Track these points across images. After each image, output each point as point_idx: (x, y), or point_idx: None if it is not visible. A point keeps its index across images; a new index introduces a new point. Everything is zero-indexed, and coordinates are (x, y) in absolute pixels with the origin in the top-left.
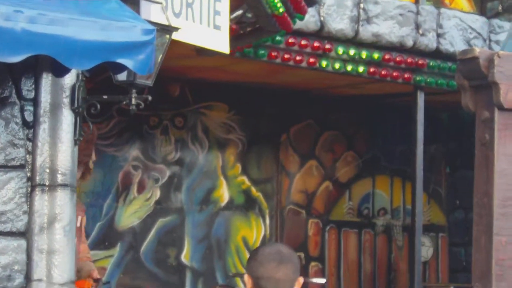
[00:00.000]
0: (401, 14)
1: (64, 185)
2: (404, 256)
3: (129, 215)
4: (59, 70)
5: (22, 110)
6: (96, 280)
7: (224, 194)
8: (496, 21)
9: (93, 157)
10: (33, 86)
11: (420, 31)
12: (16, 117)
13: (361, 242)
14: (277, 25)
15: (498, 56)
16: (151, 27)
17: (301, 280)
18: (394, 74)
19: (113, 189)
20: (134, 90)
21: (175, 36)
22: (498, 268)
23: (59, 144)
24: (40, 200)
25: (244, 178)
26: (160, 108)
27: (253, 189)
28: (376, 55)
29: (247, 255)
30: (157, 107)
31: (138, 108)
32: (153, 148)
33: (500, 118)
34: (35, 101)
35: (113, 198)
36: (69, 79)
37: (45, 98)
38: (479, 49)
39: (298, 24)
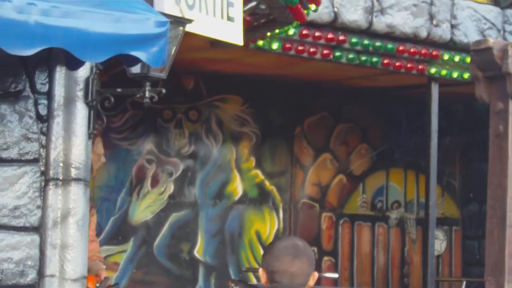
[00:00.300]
0: (415, 5)
1: (78, 179)
2: (417, 249)
3: (143, 210)
4: (73, 63)
5: (36, 104)
6: (103, 278)
7: (237, 187)
8: (510, 12)
9: (100, 150)
10: (47, 80)
11: (434, 22)
12: (30, 111)
13: (375, 236)
14: (290, 17)
15: None
16: (164, 19)
17: (316, 275)
18: (408, 65)
19: (127, 183)
20: (148, 83)
21: (189, 28)
22: (511, 261)
23: (73, 138)
24: (54, 195)
25: (258, 172)
26: (174, 101)
27: (267, 183)
28: (390, 46)
29: (261, 250)
30: (171, 100)
31: (152, 101)
32: (167, 142)
33: None
34: (49, 95)
35: (126, 192)
36: (83, 72)
37: (59, 92)
38: (493, 39)
39: (312, 16)
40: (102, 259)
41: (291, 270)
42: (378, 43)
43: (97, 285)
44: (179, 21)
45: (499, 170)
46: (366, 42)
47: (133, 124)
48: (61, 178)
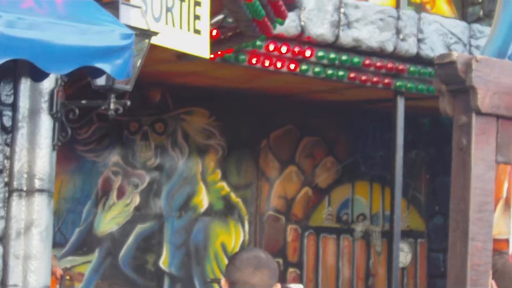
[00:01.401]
0: (381, 19)
1: (41, 191)
2: (382, 261)
3: (108, 221)
4: (38, 75)
5: (0, 115)
6: (60, 277)
7: (203, 200)
8: (476, 26)
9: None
10: (12, 91)
11: (401, 36)
12: None
13: (340, 248)
14: (257, 30)
15: (476, 60)
16: (129, 31)
17: (278, 286)
18: (375, 79)
19: (93, 195)
20: (112, 95)
21: (155, 40)
22: (473, 274)
23: (37, 150)
24: (18, 206)
25: (224, 184)
26: (141, 113)
27: (233, 195)
28: (356, 60)
29: (226, 261)
30: (137, 112)
31: (116, 113)
32: (133, 154)
33: (477, 123)
34: (14, 106)
35: (92, 204)
36: (47, 84)
37: (23, 103)
38: (456, 53)
39: (279, 29)
40: (54, 257)
41: (252, 281)
42: (344, 57)
43: (58, 287)
44: (145, 34)
45: (461, 184)
46: (332, 55)
47: (99, 136)
48: (25, 189)
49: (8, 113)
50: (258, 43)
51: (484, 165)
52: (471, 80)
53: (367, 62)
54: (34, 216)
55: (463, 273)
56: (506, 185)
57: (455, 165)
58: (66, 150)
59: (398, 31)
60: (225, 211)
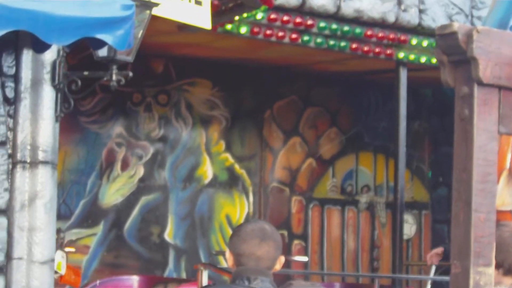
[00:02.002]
0: None
1: (45, 162)
2: (387, 233)
3: (113, 193)
4: (40, 46)
5: (2, 87)
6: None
7: (207, 171)
8: None
9: None
10: (14, 62)
11: (402, 7)
12: None
13: (345, 220)
14: (258, 1)
15: (477, 31)
16: (130, 2)
17: (282, 259)
18: (376, 50)
19: (97, 166)
20: (114, 66)
21: (156, 11)
22: (476, 245)
23: (40, 121)
24: (21, 177)
25: (228, 155)
26: (144, 84)
27: (237, 166)
28: (358, 31)
29: (230, 233)
30: (140, 83)
31: (119, 84)
32: (136, 125)
33: (479, 94)
34: (16, 78)
35: (96, 176)
36: (50, 55)
37: (26, 74)
38: (457, 24)
39: (280, 0)
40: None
41: (258, 253)
42: (346, 28)
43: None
44: (146, 5)
45: (464, 154)
46: (334, 26)
47: (102, 107)
48: (28, 161)
49: (10, 84)
50: (260, 14)
51: (487, 135)
52: (472, 51)
53: (369, 33)
54: (38, 188)
55: (466, 245)
56: (509, 156)
57: (457, 135)
58: (69, 121)
59: (399, 2)
60: (229, 182)
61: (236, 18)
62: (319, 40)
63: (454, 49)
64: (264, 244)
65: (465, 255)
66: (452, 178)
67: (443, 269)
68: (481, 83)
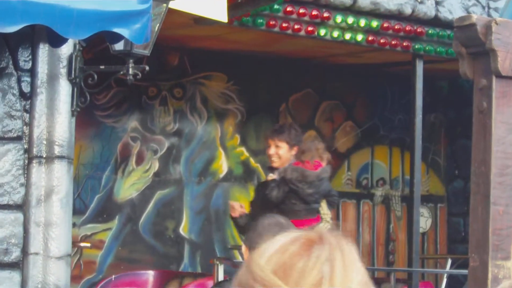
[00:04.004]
0: None
1: (61, 157)
2: (402, 226)
3: (128, 187)
4: (56, 40)
5: (19, 81)
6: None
7: (223, 165)
8: None
9: None
10: (30, 57)
11: None
12: (13, 88)
13: (360, 213)
14: None
15: (496, 22)
16: None
17: None
18: (393, 42)
19: (112, 161)
20: (131, 60)
21: (172, 5)
22: (495, 238)
23: (57, 115)
24: (37, 172)
25: (243, 149)
26: (159, 78)
27: (252, 160)
28: (374, 23)
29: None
30: (155, 77)
31: (135, 78)
32: (151, 119)
33: (498, 86)
34: (32, 72)
35: (111, 170)
36: (66, 49)
37: (42, 69)
38: (476, 16)
39: None
40: None
41: None
42: (362, 20)
43: None
44: None
45: (482, 147)
46: (350, 19)
47: (117, 101)
48: (44, 155)
49: (26, 79)
50: (276, 6)
51: (505, 128)
52: (491, 43)
53: (385, 25)
54: (54, 183)
55: (484, 238)
56: None
57: (476, 128)
58: (85, 115)
59: None
60: (245, 176)
61: (252, 11)
62: (335, 32)
63: (473, 41)
64: None
65: (483, 248)
66: (470, 171)
67: (459, 262)
68: (499, 75)
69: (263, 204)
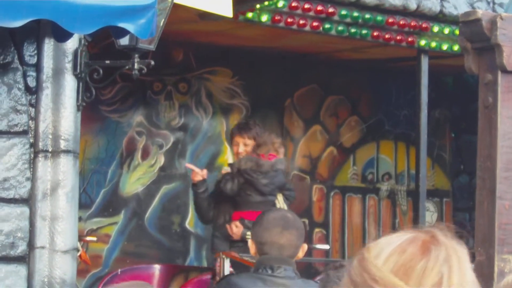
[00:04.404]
0: None
1: (67, 151)
2: (408, 221)
3: (133, 182)
4: (61, 35)
5: (24, 76)
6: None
7: (228, 160)
8: None
9: None
10: (36, 52)
11: None
12: (19, 83)
13: (366, 208)
14: None
15: (501, 18)
16: None
17: (305, 247)
18: (398, 37)
19: (117, 155)
20: (136, 55)
21: (177, 0)
22: (501, 233)
23: (62, 110)
24: (43, 167)
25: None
26: (164, 73)
27: None
28: (379, 19)
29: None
30: (160, 72)
31: (140, 73)
32: (157, 114)
33: (503, 81)
34: (38, 67)
35: (117, 165)
36: (71, 44)
37: (47, 64)
38: (481, 11)
39: None
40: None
41: (280, 241)
42: (367, 15)
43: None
44: None
45: (488, 142)
46: (355, 14)
47: (123, 96)
48: (50, 150)
49: (32, 73)
50: (281, 2)
51: (511, 123)
52: (496, 38)
53: (390, 20)
54: (60, 177)
55: (490, 232)
56: None
57: (481, 123)
58: (90, 110)
59: None
60: None
61: (258, 6)
62: (340, 28)
63: (478, 36)
64: (286, 232)
65: (489, 242)
66: (475, 166)
67: None
68: (505, 70)
69: (220, 197)
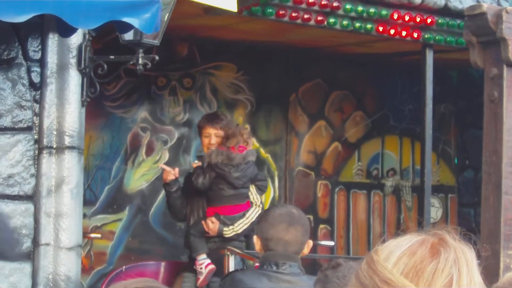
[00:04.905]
0: None
1: (71, 147)
2: (413, 217)
3: (138, 178)
4: (65, 30)
5: (29, 71)
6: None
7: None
8: None
9: None
10: (40, 47)
11: None
12: (23, 79)
13: (371, 203)
14: None
15: (506, 11)
16: None
17: (310, 243)
18: (403, 32)
19: (122, 152)
20: (141, 50)
21: None
22: (507, 228)
23: (67, 106)
24: (48, 163)
25: (253, 139)
26: (168, 68)
27: (262, 150)
28: (384, 13)
29: None
30: (165, 67)
31: (145, 68)
32: (161, 109)
33: (508, 75)
34: (42, 62)
35: (121, 161)
36: (75, 39)
37: (51, 59)
38: (487, 4)
39: None
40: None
41: (286, 238)
42: (372, 10)
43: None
44: None
45: (493, 136)
46: (360, 8)
47: (127, 91)
48: (54, 146)
49: (36, 69)
50: None
51: None
52: (501, 32)
53: (395, 14)
54: (64, 174)
55: (496, 227)
56: None
57: (487, 117)
58: (94, 106)
59: None
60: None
61: (262, 0)
62: (345, 22)
63: (483, 30)
64: (292, 228)
65: (495, 238)
66: (481, 160)
67: None
68: (510, 64)
69: (191, 192)
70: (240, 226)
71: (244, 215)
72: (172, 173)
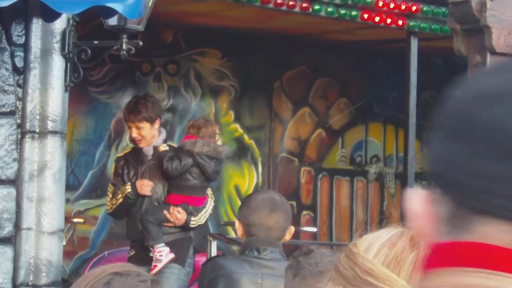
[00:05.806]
0: None
1: (54, 132)
2: (396, 204)
3: None
4: (49, 15)
5: (12, 56)
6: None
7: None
8: None
9: None
10: (23, 32)
11: None
12: (7, 63)
13: (354, 190)
14: None
15: None
16: None
17: (292, 229)
18: (388, 19)
19: (106, 137)
20: (125, 35)
21: None
22: None
23: (50, 90)
24: (30, 147)
25: (237, 126)
26: (153, 54)
27: (246, 137)
28: (369, 0)
29: (239, 203)
30: (149, 53)
31: (129, 53)
32: None
33: (492, 63)
34: (26, 47)
35: (105, 146)
36: (59, 24)
37: (35, 44)
38: None
39: None
40: None
41: (268, 223)
42: None
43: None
44: None
45: None
46: None
47: (111, 77)
48: (37, 130)
49: (20, 53)
50: None
51: None
52: (485, 20)
53: (380, 2)
54: (47, 158)
55: None
56: None
57: None
58: (78, 91)
59: None
60: (239, 153)
61: None
62: (330, 9)
63: (467, 18)
64: (274, 214)
65: None
66: None
67: None
68: (494, 52)
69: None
70: (203, 217)
71: (204, 207)
72: (150, 185)
